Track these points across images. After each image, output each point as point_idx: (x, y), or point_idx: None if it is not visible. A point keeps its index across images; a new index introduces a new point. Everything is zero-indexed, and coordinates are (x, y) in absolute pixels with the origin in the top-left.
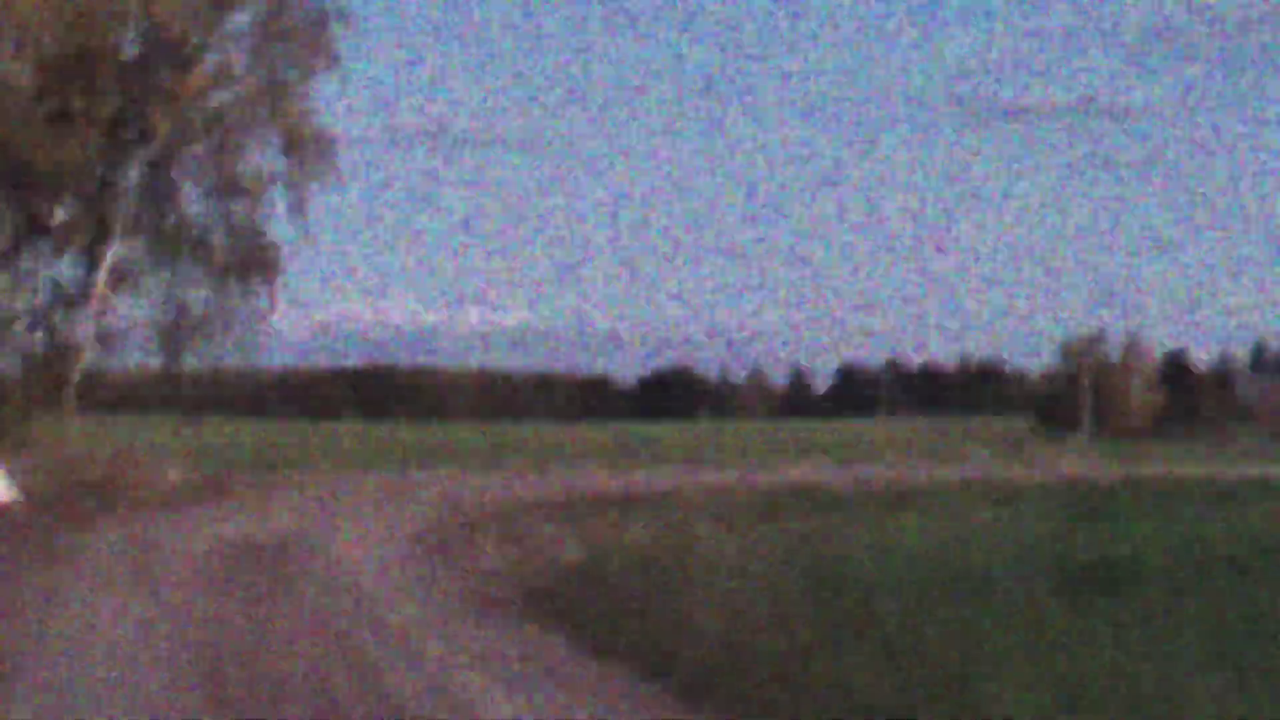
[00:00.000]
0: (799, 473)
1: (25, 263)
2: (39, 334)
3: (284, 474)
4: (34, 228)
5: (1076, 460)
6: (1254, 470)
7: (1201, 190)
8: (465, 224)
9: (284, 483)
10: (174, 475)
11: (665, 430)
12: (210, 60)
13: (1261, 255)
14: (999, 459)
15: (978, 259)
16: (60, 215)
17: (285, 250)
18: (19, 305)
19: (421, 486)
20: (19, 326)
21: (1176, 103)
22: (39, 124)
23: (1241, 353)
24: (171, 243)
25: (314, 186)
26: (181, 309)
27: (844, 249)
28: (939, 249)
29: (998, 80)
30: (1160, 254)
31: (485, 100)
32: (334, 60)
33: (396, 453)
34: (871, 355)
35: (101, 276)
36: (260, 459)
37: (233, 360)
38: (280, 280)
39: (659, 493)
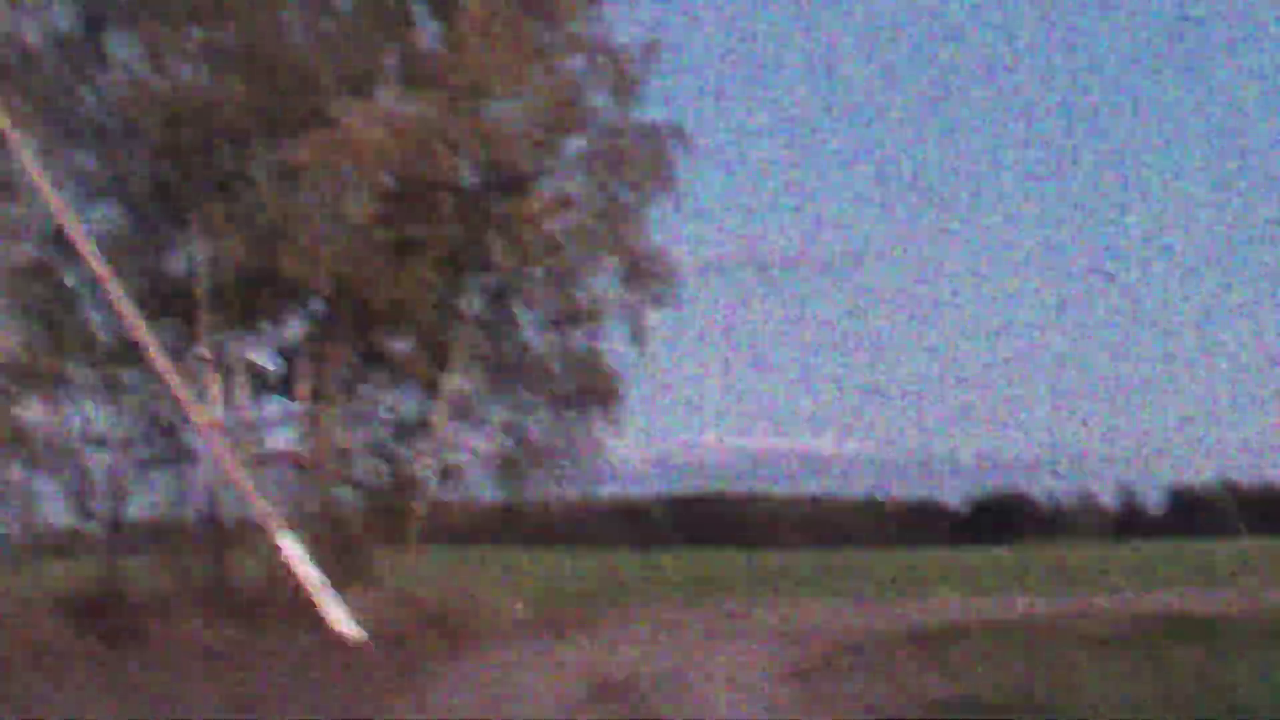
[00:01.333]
0: (1155, 598)
1: (365, 395)
2: (380, 466)
3: (624, 606)
4: (373, 359)
5: None
6: None
7: None
8: (793, 350)
9: (626, 616)
10: (518, 610)
11: (999, 555)
12: (548, 187)
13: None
14: None
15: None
16: (399, 346)
17: (625, 378)
18: (360, 438)
19: (765, 617)
20: (360, 459)
21: None
22: (378, 255)
23: None
24: (511, 372)
25: (653, 313)
26: (521, 439)
27: (1173, 364)
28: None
29: None
30: None
31: (806, 222)
32: (671, 184)
33: (733, 582)
34: (1206, 475)
35: (441, 407)
36: (599, 591)
37: (573, 491)
38: (620, 409)
39: (1015, 621)
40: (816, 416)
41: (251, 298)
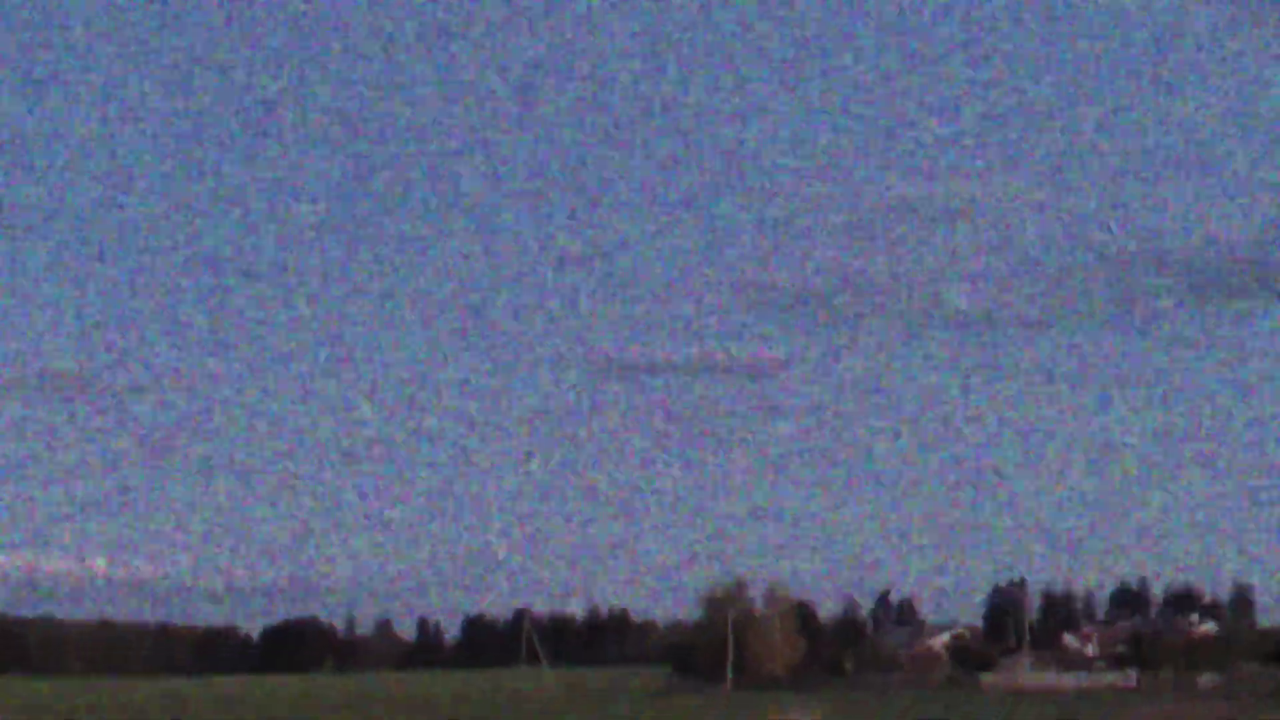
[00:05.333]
0: None
1: None
2: None
3: None
4: None
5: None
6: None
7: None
8: (81, 472)
9: None
10: None
11: (294, 684)
12: None
13: (878, 510)
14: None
15: (605, 513)
16: None
17: None
18: None
19: None
20: None
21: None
22: None
23: (865, 603)
24: None
25: None
26: None
27: (474, 498)
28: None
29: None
30: (779, 507)
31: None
32: None
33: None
34: (502, 606)
35: None
36: None
37: None
38: None
39: None
40: (106, 538)
41: None
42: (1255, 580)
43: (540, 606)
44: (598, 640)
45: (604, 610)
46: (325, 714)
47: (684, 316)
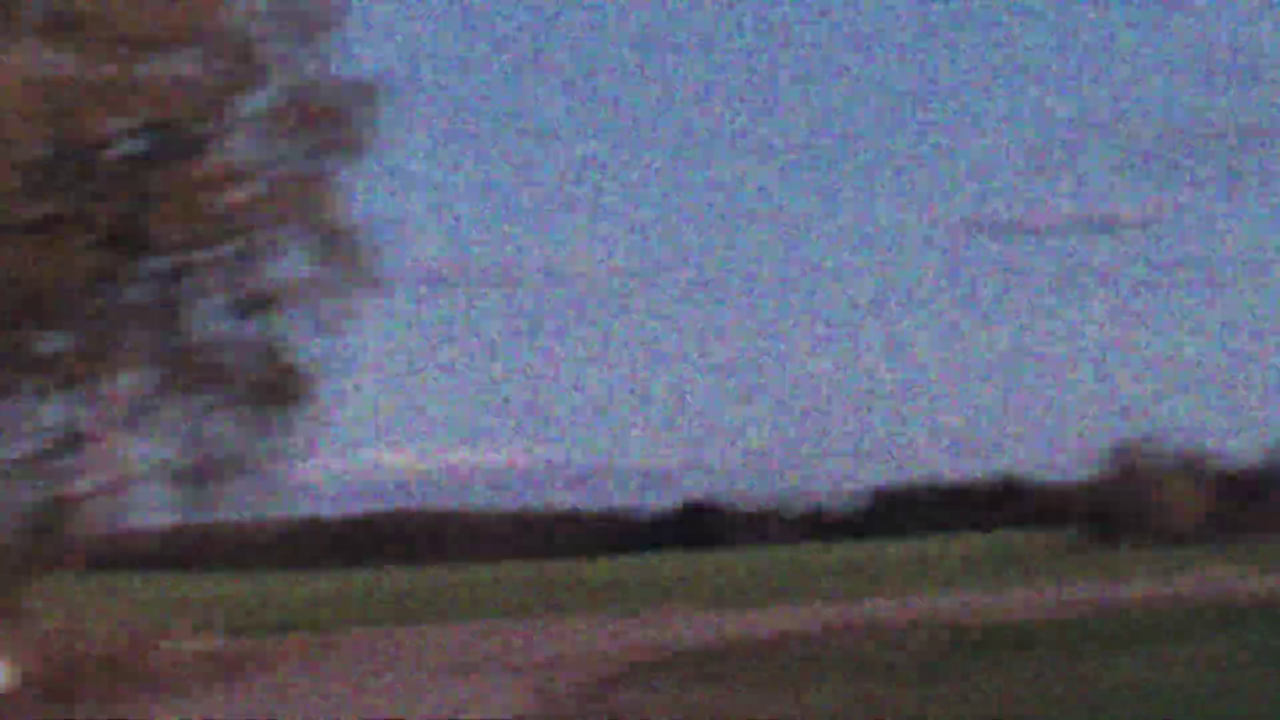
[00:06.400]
0: (925, 602)
1: (15, 403)
2: (34, 486)
3: (319, 637)
4: (23, 360)
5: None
6: None
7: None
8: (486, 363)
9: (324, 648)
10: (195, 646)
11: (701, 561)
12: (223, 152)
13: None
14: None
15: (988, 372)
16: (52, 344)
17: (316, 376)
18: (10, 453)
19: (486, 642)
20: (10, 478)
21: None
22: (21, 234)
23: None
24: (186, 371)
25: (348, 299)
26: (199, 449)
27: (869, 368)
28: (950, 362)
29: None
30: (1177, 360)
31: (505, 236)
32: (366, 150)
33: (440, 603)
34: (900, 474)
35: (105, 414)
36: (292, 619)
37: (259, 507)
38: (312, 410)
39: (766, 641)
40: (510, 429)
41: None
42: None
43: (940, 471)
44: (995, 504)
45: (1000, 473)
46: (732, 590)
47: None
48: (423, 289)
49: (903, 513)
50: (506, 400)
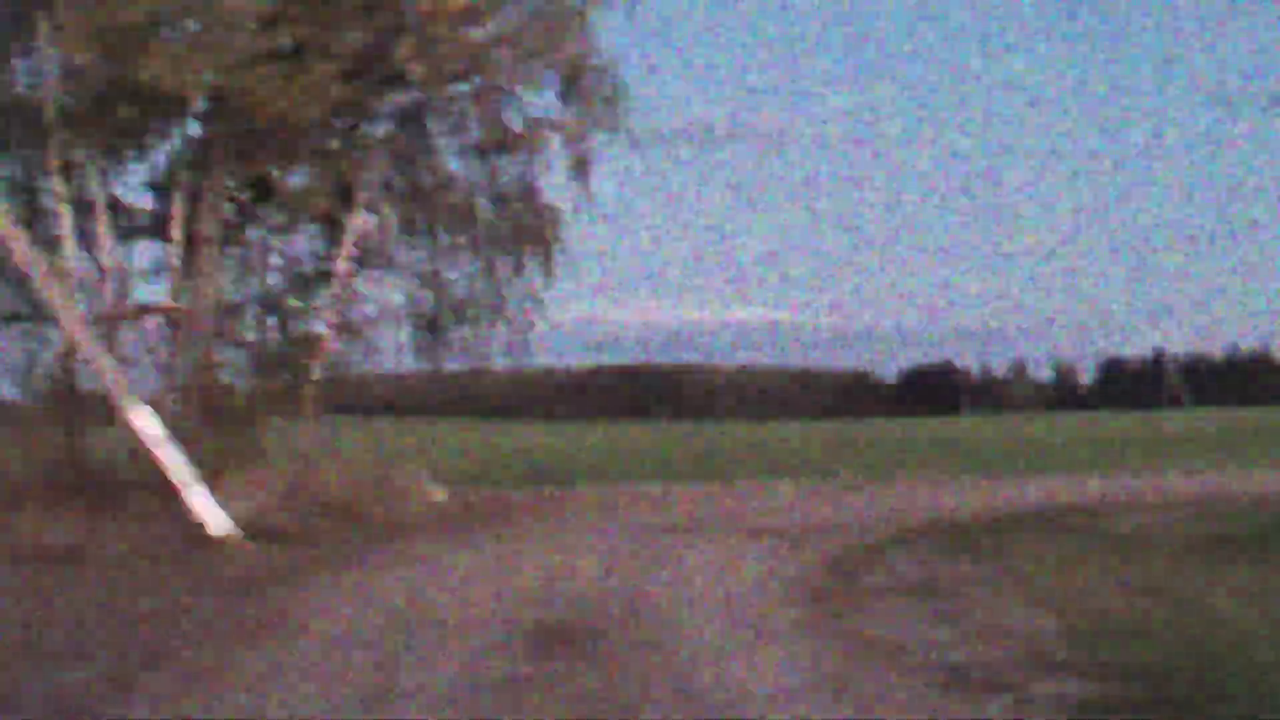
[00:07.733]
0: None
1: (253, 238)
2: (271, 323)
3: (564, 490)
4: (262, 194)
5: None
6: None
7: None
8: (724, 221)
9: (570, 501)
10: (437, 495)
11: (941, 427)
12: None
13: None
14: None
15: (1242, 249)
16: (294, 178)
17: (564, 218)
18: (247, 289)
19: (737, 503)
20: (246, 315)
21: None
22: (264, 63)
23: None
24: (428, 210)
25: (598, 139)
26: (441, 290)
27: (1104, 240)
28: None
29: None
30: None
31: (741, 95)
32: None
33: (687, 461)
34: (1136, 348)
35: (344, 253)
36: (533, 470)
37: (500, 354)
38: (559, 254)
39: (1036, 512)
40: (748, 287)
41: (114, 118)
42: None
43: (1178, 347)
44: (1238, 380)
45: (1245, 349)
46: (965, 456)
47: None
48: (673, 144)
49: (1137, 386)
50: (745, 259)
